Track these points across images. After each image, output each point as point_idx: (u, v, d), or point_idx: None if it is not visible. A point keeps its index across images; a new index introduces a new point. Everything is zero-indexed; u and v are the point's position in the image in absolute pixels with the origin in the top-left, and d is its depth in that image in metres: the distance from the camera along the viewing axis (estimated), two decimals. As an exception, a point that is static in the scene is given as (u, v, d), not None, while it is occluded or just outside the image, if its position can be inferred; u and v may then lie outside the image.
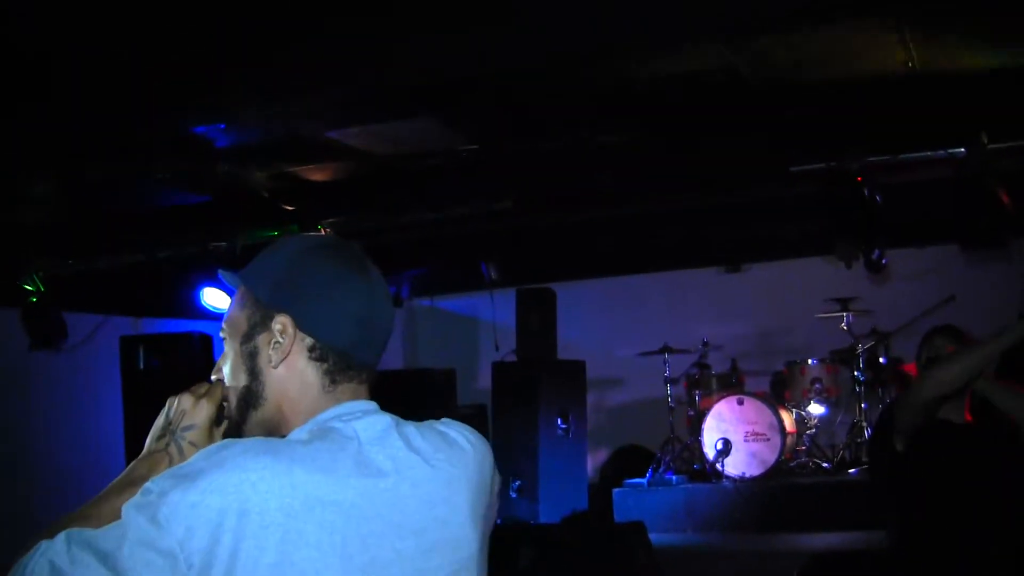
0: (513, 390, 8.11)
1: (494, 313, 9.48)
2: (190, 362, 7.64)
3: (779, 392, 8.62)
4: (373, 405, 1.79)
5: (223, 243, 7.33)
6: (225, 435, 1.85)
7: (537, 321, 8.35)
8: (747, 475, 7.91)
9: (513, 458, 7.77)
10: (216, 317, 7.33)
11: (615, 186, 7.03)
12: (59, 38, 4.36)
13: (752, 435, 7.99)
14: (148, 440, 1.88)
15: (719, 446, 7.99)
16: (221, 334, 1.86)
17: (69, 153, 5.54)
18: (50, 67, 4.62)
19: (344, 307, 1.77)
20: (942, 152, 6.03)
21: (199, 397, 1.88)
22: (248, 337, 1.79)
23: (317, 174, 6.60)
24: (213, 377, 1.90)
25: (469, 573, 1.79)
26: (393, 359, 10.21)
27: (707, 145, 6.39)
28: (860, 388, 8.13)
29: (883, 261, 6.53)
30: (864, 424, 8.03)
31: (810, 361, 8.41)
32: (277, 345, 1.76)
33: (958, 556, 3.93)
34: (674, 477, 8.18)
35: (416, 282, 10.53)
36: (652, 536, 6.57)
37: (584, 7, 4.26)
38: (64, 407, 8.40)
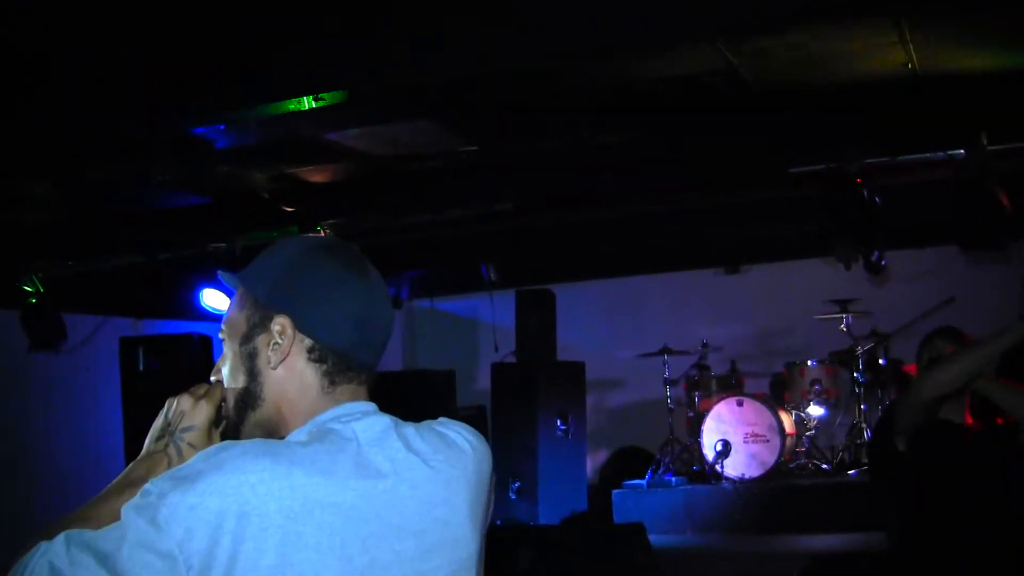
0: (512, 391, 8.11)
1: (493, 314, 9.48)
2: (190, 363, 7.63)
3: (778, 393, 8.62)
4: (372, 406, 1.78)
5: (223, 244, 7.33)
6: (223, 436, 1.85)
7: (536, 322, 8.35)
8: (746, 476, 7.91)
9: (512, 459, 7.77)
10: (215, 318, 7.33)
11: (615, 187, 7.03)
12: (59, 38, 4.37)
13: (751, 436, 7.99)
14: (147, 441, 1.88)
15: (718, 447, 7.99)
16: (220, 335, 1.85)
17: (69, 154, 5.54)
18: (50, 67, 4.62)
19: (343, 308, 1.76)
20: (941, 154, 6.04)
21: (198, 398, 1.87)
22: (247, 338, 1.79)
23: (317, 175, 6.60)
24: (212, 378, 1.89)
25: (468, 573, 1.78)
26: (392, 360, 10.21)
27: (706, 146, 6.39)
28: (859, 389, 8.13)
29: (882, 262, 6.54)
30: (863, 425, 8.03)
31: (809, 362, 8.41)
32: (276, 346, 1.75)
33: (958, 557, 3.93)
34: (673, 478, 8.17)
35: (415, 283, 10.54)
36: (651, 537, 6.57)
37: (584, 7, 4.26)
38: (64, 408, 8.40)
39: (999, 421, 4.11)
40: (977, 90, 5.41)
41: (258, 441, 1.66)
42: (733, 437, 8.00)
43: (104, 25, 4.31)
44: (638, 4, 4.20)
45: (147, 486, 1.57)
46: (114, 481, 1.79)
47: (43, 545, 1.56)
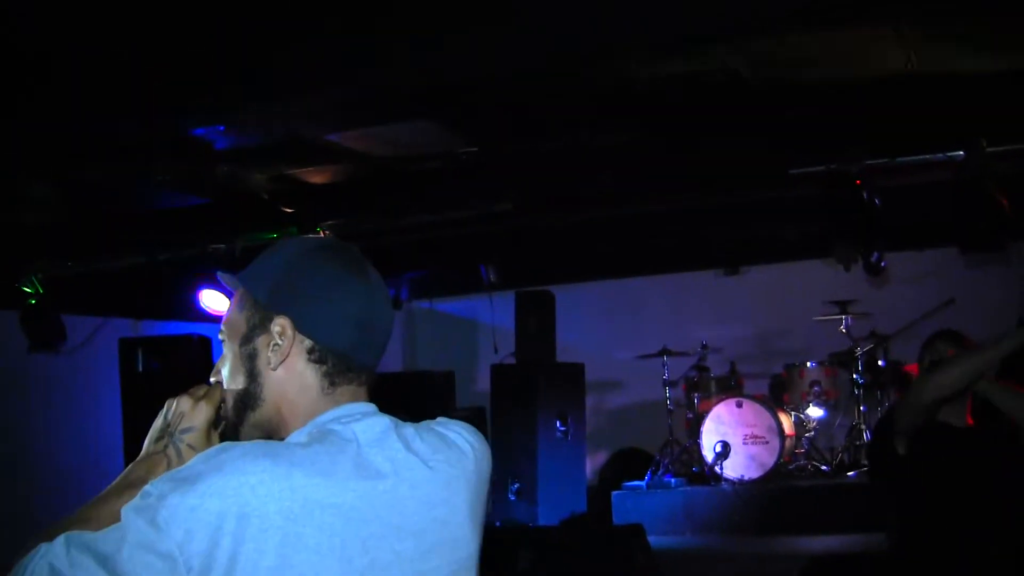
0: (512, 392, 8.11)
1: (493, 315, 9.47)
2: (189, 364, 7.63)
3: (778, 395, 8.62)
4: (372, 407, 1.78)
5: (222, 245, 7.32)
6: (223, 437, 1.85)
7: (536, 324, 8.35)
8: (746, 478, 7.91)
9: (512, 460, 7.77)
10: (215, 319, 7.32)
11: (614, 188, 7.02)
12: (59, 38, 4.37)
13: (751, 438, 7.99)
14: (146, 442, 1.88)
15: (718, 449, 7.99)
16: (220, 336, 1.85)
17: (68, 154, 5.54)
18: (50, 67, 4.62)
19: (343, 309, 1.76)
20: (941, 155, 6.03)
21: (197, 399, 1.88)
22: (247, 339, 1.79)
23: (316, 176, 6.60)
24: (212, 379, 1.89)
25: (468, 573, 1.79)
26: (392, 361, 10.21)
27: (706, 147, 6.38)
28: (859, 391, 8.13)
29: (882, 264, 6.53)
30: (863, 427, 8.03)
31: (809, 364, 8.41)
32: (276, 347, 1.75)
33: (958, 558, 3.93)
34: (673, 480, 8.17)
35: (415, 284, 10.54)
36: (651, 538, 6.58)
37: (584, 7, 4.26)
38: (63, 409, 8.39)
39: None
40: (976, 92, 5.41)
41: (258, 442, 1.66)
42: (732, 438, 8.00)
43: (104, 25, 4.30)
44: (638, 4, 4.20)
45: (147, 487, 1.57)
46: (114, 482, 1.79)
47: (43, 547, 1.56)
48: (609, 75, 5.08)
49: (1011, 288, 8.15)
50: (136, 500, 1.57)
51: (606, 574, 6.24)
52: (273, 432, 1.77)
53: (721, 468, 7.93)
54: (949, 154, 5.97)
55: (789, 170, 6.36)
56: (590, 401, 8.88)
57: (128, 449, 7.44)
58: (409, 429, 1.78)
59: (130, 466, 1.83)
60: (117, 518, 1.57)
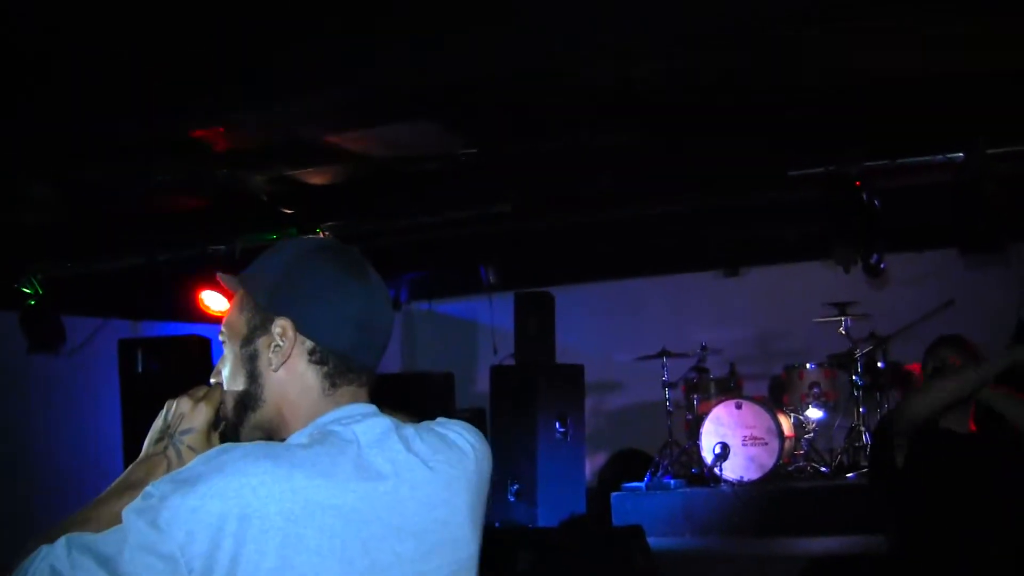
0: (511, 394, 8.10)
1: (492, 317, 9.47)
2: (188, 365, 7.63)
3: (777, 396, 8.62)
4: (373, 408, 1.78)
5: (222, 246, 7.32)
6: (223, 438, 1.85)
7: (535, 325, 8.35)
8: (745, 479, 7.90)
9: (511, 462, 7.77)
10: (214, 320, 7.33)
11: (614, 189, 7.02)
12: (59, 38, 4.37)
13: (750, 439, 7.99)
14: (146, 443, 1.88)
15: (717, 450, 7.98)
16: (220, 337, 1.85)
17: (68, 154, 5.53)
18: (50, 67, 4.62)
19: (344, 310, 1.77)
20: (940, 156, 6.04)
21: (197, 400, 1.88)
22: (248, 340, 1.79)
23: (316, 177, 6.60)
24: (212, 380, 1.89)
25: (469, 574, 1.80)
26: (391, 363, 10.20)
27: (706, 148, 6.39)
28: (858, 392, 8.13)
29: (882, 265, 6.53)
30: (862, 428, 8.02)
31: (808, 365, 8.41)
32: (277, 348, 1.76)
33: (958, 560, 3.93)
34: (672, 481, 8.17)
35: (414, 286, 10.53)
36: (650, 540, 6.58)
37: (584, 7, 4.26)
38: (63, 410, 8.39)
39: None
40: (976, 93, 5.41)
41: (259, 443, 1.67)
42: (732, 440, 8.00)
43: (104, 25, 4.30)
44: (638, 5, 4.21)
45: (148, 489, 1.57)
46: (114, 483, 1.79)
47: (44, 548, 1.56)
48: (609, 75, 5.08)
49: (1011, 289, 8.15)
50: (137, 502, 1.57)
51: (605, 575, 6.24)
52: (274, 433, 1.77)
53: (720, 469, 7.92)
54: (949, 155, 5.98)
55: (789, 171, 6.37)
56: (589, 402, 8.88)
57: (127, 450, 7.44)
58: (409, 430, 1.78)
59: (130, 467, 1.83)
60: (118, 519, 1.57)
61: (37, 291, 7.59)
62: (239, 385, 1.80)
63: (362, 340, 1.79)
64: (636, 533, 6.50)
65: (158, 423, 1.89)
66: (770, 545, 7.26)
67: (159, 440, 1.86)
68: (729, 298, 9.61)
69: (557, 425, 8.08)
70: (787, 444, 8.03)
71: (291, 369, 1.76)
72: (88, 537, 1.56)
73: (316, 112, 5.16)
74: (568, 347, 8.72)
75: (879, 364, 8.15)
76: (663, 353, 8.59)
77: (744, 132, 6.10)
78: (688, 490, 8.08)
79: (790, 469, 8.19)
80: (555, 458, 8.00)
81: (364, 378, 1.81)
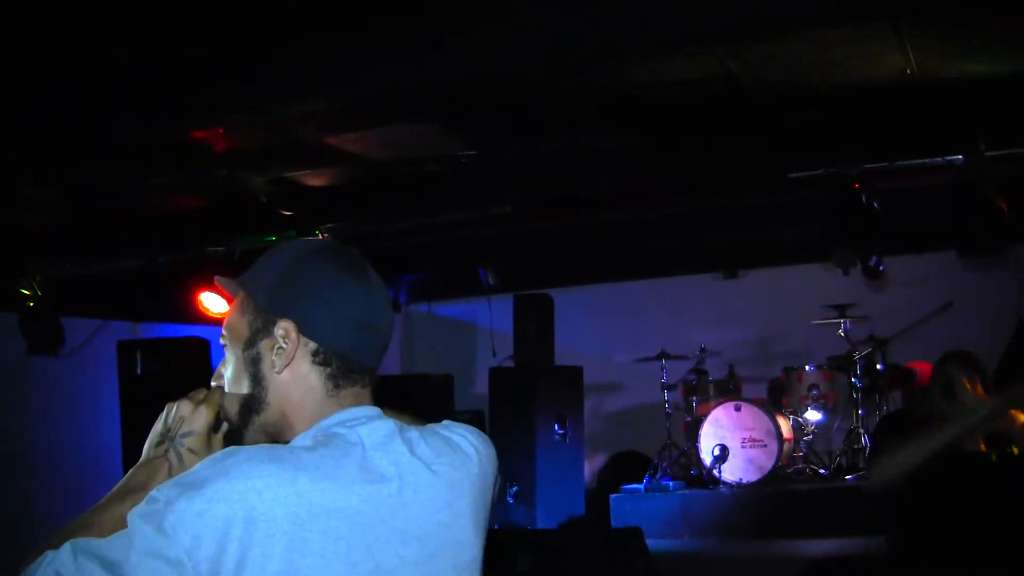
0: (510, 396, 8.10)
1: (491, 319, 9.46)
2: (187, 367, 7.63)
3: (776, 398, 8.61)
4: (377, 410, 1.78)
5: (221, 248, 7.32)
6: (227, 441, 1.84)
7: (534, 327, 8.35)
8: (744, 481, 7.90)
9: (510, 463, 7.77)
10: (213, 322, 7.33)
11: (613, 191, 7.02)
12: (59, 38, 4.37)
13: (749, 441, 7.99)
14: (146, 447, 1.87)
15: (716, 452, 7.98)
16: (221, 340, 1.85)
17: (68, 155, 5.53)
18: (50, 67, 4.62)
19: (345, 311, 1.77)
20: (940, 159, 6.04)
21: (197, 403, 1.87)
22: (250, 343, 1.79)
23: (315, 179, 6.60)
24: (213, 383, 1.89)
25: (472, 576, 1.79)
26: (390, 365, 10.19)
27: (705, 150, 6.39)
28: (857, 394, 8.13)
29: (881, 267, 6.53)
30: (861, 431, 8.03)
31: (807, 367, 8.41)
32: (280, 351, 1.75)
33: (957, 563, 3.93)
34: (671, 483, 8.16)
35: (413, 287, 10.52)
36: (649, 542, 6.57)
37: (584, 8, 4.26)
38: (62, 411, 8.38)
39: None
40: (975, 95, 5.41)
41: (263, 447, 1.66)
42: (731, 442, 8.00)
43: (104, 25, 4.30)
44: (638, 7, 4.21)
45: (153, 493, 1.57)
46: (115, 487, 1.78)
47: (49, 554, 1.56)
48: (609, 77, 5.08)
49: (1010, 291, 8.16)
50: (142, 506, 1.56)
51: (604, 577, 6.24)
52: (278, 436, 1.77)
53: (719, 471, 7.92)
54: (948, 158, 5.98)
55: (788, 174, 6.36)
56: (588, 404, 8.88)
57: (127, 451, 7.43)
58: (413, 433, 1.78)
59: (131, 471, 1.83)
60: (121, 523, 1.57)
61: (36, 292, 7.58)
62: (243, 388, 1.80)
63: (363, 341, 1.79)
64: (635, 535, 6.49)
65: (158, 426, 1.88)
66: (769, 547, 7.26)
67: (159, 443, 1.85)
68: (728, 300, 9.61)
69: (556, 427, 8.09)
70: (786, 446, 8.03)
71: (294, 371, 1.76)
72: (93, 542, 1.56)
73: (316, 113, 5.16)
74: (567, 349, 8.72)
75: (878, 366, 8.16)
76: (662, 355, 8.59)
77: (743, 133, 6.11)
78: (687, 492, 8.08)
79: (789, 471, 8.20)
80: (554, 460, 8.00)
81: (366, 379, 1.81)
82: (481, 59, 4.46)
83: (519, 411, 7.97)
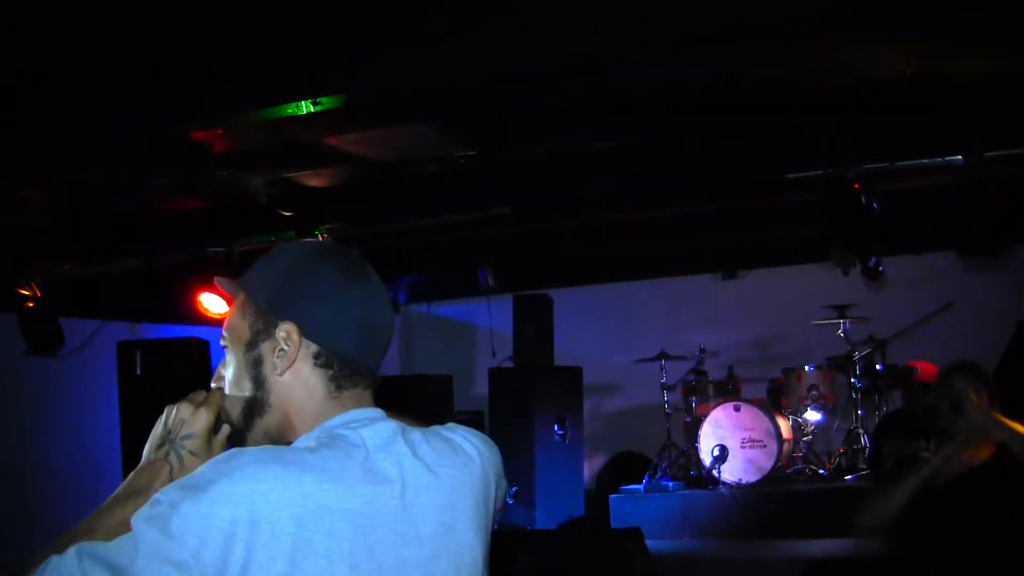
0: (510, 396, 8.11)
1: (491, 319, 9.46)
2: (187, 368, 7.62)
3: (776, 399, 8.61)
4: (379, 412, 1.78)
5: (221, 248, 7.32)
6: (230, 443, 1.84)
7: (534, 327, 8.35)
8: (743, 481, 7.90)
9: (510, 464, 7.71)
10: (213, 323, 7.33)
11: (613, 192, 7.02)
12: (59, 38, 4.37)
13: (749, 442, 7.99)
14: (146, 449, 1.86)
15: (716, 452, 7.98)
16: (222, 342, 1.84)
17: (67, 156, 5.53)
18: (49, 68, 4.62)
19: (346, 312, 1.77)
20: (939, 159, 6.05)
21: (197, 405, 1.85)
22: (252, 345, 1.79)
23: (315, 180, 6.60)
24: (213, 385, 1.89)
25: (473, 577, 1.79)
26: (390, 365, 10.19)
27: (705, 151, 6.39)
28: (857, 395, 8.13)
29: (880, 268, 6.54)
30: (860, 431, 8.03)
31: (807, 368, 8.41)
32: (282, 353, 1.75)
33: (957, 563, 3.93)
34: (671, 483, 8.17)
35: (413, 288, 10.52)
36: (649, 542, 6.56)
37: (584, 8, 4.26)
38: (61, 412, 8.38)
39: None
40: (975, 95, 5.42)
41: (267, 448, 1.66)
42: (730, 442, 8.00)
43: (103, 26, 4.30)
44: (638, 5, 4.21)
45: (157, 496, 1.57)
46: (117, 491, 1.77)
47: (53, 559, 1.55)
48: (608, 78, 5.08)
49: (1009, 292, 8.16)
50: (146, 509, 1.56)
51: (604, 578, 6.24)
52: (280, 437, 1.77)
53: (719, 472, 7.92)
54: (947, 158, 5.99)
55: (787, 174, 6.37)
56: (588, 405, 8.88)
57: (126, 452, 7.42)
58: (416, 434, 1.78)
59: (132, 474, 1.82)
60: (124, 527, 1.57)
61: (35, 293, 7.58)
62: (244, 390, 1.80)
63: (364, 342, 1.79)
64: (635, 535, 6.49)
65: (158, 429, 1.87)
66: (768, 547, 7.26)
67: (160, 446, 1.84)
68: (728, 301, 9.62)
69: (555, 427, 8.09)
70: (785, 446, 8.04)
71: (296, 373, 1.76)
72: (98, 546, 1.55)
73: (315, 113, 5.16)
74: (566, 349, 8.72)
75: (877, 366, 8.15)
76: (662, 355, 8.59)
77: (743, 134, 6.11)
78: (686, 492, 8.08)
79: (788, 471, 8.20)
80: (553, 460, 8.01)
81: (368, 381, 1.81)
82: (481, 59, 4.46)
83: (518, 412, 7.97)
